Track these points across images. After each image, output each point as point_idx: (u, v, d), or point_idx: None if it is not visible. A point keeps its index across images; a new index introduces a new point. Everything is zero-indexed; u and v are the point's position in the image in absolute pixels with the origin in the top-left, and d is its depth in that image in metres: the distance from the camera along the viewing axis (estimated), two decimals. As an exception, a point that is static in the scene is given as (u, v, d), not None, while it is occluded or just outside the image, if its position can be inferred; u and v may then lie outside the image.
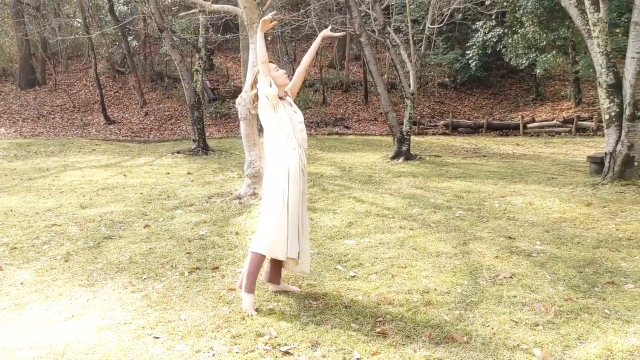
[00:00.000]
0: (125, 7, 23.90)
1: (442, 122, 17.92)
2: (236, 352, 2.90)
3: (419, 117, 18.29)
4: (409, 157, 10.91)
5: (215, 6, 6.86)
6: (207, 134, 14.23)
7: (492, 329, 3.11)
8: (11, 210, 6.57)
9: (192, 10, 7.63)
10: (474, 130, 17.12)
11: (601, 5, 6.82)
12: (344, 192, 7.44)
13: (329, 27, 3.80)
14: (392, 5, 15.41)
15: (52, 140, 15.43)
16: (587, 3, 6.91)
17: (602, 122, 14.92)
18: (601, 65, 7.02)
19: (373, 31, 12.19)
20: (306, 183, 3.60)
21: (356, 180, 8.47)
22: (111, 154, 12.66)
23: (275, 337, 3.06)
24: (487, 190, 7.33)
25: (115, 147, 14.19)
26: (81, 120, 18.62)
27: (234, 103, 21.58)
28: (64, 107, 19.72)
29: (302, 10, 17.41)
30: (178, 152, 12.46)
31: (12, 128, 17.20)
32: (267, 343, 3.00)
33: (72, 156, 12.11)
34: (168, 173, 9.64)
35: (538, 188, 7.37)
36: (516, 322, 3.19)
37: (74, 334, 3.18)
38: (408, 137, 11.11)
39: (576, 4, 7.33)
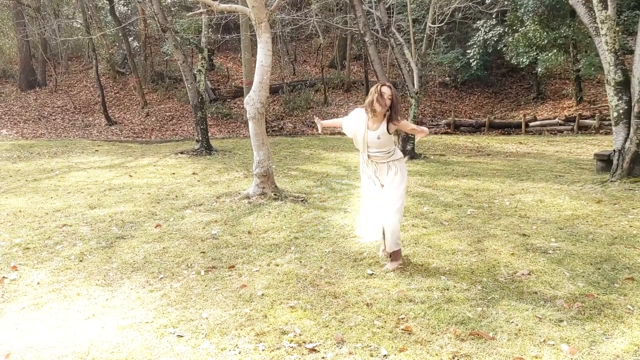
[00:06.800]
0: (125, 7, 23.87)
1: (444, 121, 17.95)
2: (262, 350, 2.90)
3: (420, 116, 18.28)
4: (413, 156, 10.92)
5: (224, 6, 6.84)
6: (209, 134, 14.20)
7: (517, 325, 3.10)
8: (20, 211, 6.54)
9: (200, 10, 7.60)
10: (476, 129, 17.15)
11: (609, 3, 6.82)
12: (352, 191, 7.43)
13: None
14: (393, 4, 15.42)
15: (54, 141, 15.40)
16: (594, 1, 6.91)
17: (604, 120, 15.05)
18: (609, 62, 7.03)
19: (377, 31, 12.19)
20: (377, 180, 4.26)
21: (363, 179, 8.46)
22: (114, 154, 12.62)
23: (300, 335, 3.05)
24: (496, 189, 7.33)
25: (117, 147, 14.16)
26: (82, 121, 18.59)
27: (235, 103, 21.37)
28: (65, 109, 19.68)
29: (303, 10, 17.38)
30: (181, 153, 12.43)
31: (13, 129, 17.16)
32: (292, 340, 2.99)
33: (76, 157, 12.08)
34: (173, 173, 9.62)
35: (546, 186, 7.38)
36: (540, 318, 3.19)
37: (96, 333, 3.16)
38: (412, 136, 11.11)
39: (584, 1, 7.34)
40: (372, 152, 4.20)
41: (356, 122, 4.24)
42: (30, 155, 12.31)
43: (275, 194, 6.89)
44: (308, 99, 19.83)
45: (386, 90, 4.00)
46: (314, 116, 5.38)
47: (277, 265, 4.32)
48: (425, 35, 12.07)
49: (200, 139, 12.48)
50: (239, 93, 20.31)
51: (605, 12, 6.85)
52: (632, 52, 7.69)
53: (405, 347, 2.88)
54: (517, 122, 16.78)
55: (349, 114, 4.37)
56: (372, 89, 4.11)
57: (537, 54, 16.20)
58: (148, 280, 4.07)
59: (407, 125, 4.28)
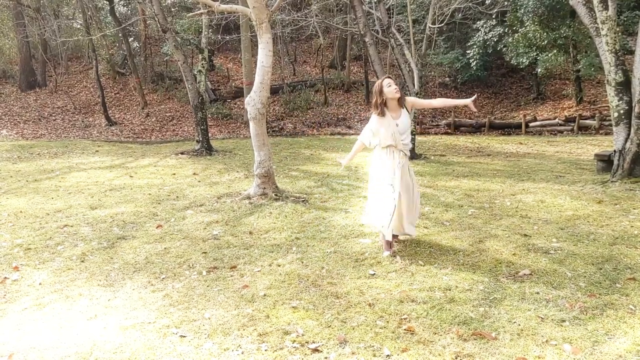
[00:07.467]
0: (125, 8, 23.86)
1: (444, 121, 17.95)
2: (265, 350, 2.90)
3: (420, 116, 18.30)
4: (413, 156, 10.91)
5: (224, 6, 6.84)
6: (210, 134, 14.19)
7: (519, 325, 3.11)
8: (21, 212, 6.54)
9: (200, 11, 7.60)
10: (476, 129, 17.15)
11: (610, 4, 6.83)
12: (353, 191, 7.44)
13: (474, 97, 4.67)
14: (393, 5, 15.44)
15: (54, 142, 15.39)
16: (595, 1, 6.92)
17: (604, 120, 15.06)
18: (610, 63, 7.03)
19: (377, 31, 12.20)
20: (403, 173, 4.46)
21: (363, 179, 8.45)
22: (115, 155, 12.63)
23: (302, 335, 3.06)
24: (496, 189, 7.33)
25: (118, 148, 14.16)
26: (82, 121, 18.58)
27: (235, 104, 21.35)
28: (65, 109, 19.68)
29: (303, 11, 17.39)
30: (182, 153, 12.44)
31: (13, 130, 17.15)
32: (294, 341, 2.99)
33: (76, 158, 12.08)
34: (174, 174, 9.62)
35: (547, 186, 7.38)
36: (542, 318, 3.19)
37: (98, 333, 3.17)
38: (413, 136, 11.12)
39: (584, 2, 7.35)
40: (402, 142, 4.40)
41: (378, 121, 4.42)
42: (30, 156, 12.31)
43: (276, 195, 6.90)
44: (308, 99, 19.82)
45: (391, 81, 4.44)
46: (338, 160, 5.01)
47: (279, 266, 4.33)
48: (425, 35, 12.07)
49: (201, 139, 12.49)
50: (239, 93, 20.31)
51: (606, 13, 6.86)
52: (632, 52, 7.70)
53: (408, 347, 2.88)
54: (517, 122, 16.77)
55: (364, 130, 4.55)
56: (376, 85, 4.44)
57: (537, 55, 16.20)
58: (150, 280, 4.07)
59: (418, 100, 4.90)
